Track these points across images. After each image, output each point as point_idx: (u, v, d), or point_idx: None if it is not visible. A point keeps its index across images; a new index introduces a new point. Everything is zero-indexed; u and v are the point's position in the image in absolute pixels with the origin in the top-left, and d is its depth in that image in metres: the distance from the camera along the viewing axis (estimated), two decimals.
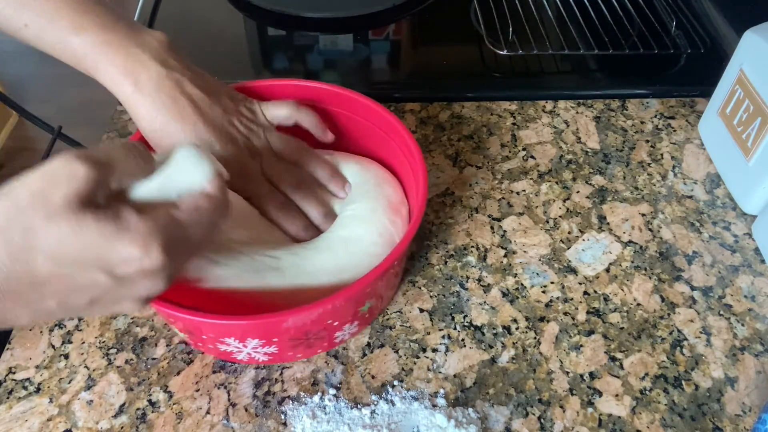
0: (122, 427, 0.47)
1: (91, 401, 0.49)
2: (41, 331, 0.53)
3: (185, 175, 0.39)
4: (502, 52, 0.77)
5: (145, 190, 0.38)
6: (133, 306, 0.37)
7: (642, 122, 0.71)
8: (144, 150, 0.38)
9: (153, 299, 0.38)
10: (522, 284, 0.56)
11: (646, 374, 0.50)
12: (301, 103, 0.55)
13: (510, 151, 0.68)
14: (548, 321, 0.54)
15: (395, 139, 0.56)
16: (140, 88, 0.47)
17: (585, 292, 0.55)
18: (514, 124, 0.71)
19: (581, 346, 0.52)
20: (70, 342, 0.52)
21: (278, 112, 0.54)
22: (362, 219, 0.52)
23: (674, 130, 0.70)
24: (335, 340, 0.50)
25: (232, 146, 0.51)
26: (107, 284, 0.34)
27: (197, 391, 0.49)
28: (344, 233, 0.51)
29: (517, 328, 0.53)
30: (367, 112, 0.57)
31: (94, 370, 0.50)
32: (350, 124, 0.59)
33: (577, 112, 0.72)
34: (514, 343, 0.52)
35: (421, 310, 0.54)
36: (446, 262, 0.57)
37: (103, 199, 0.34)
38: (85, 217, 0.33)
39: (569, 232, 0.60)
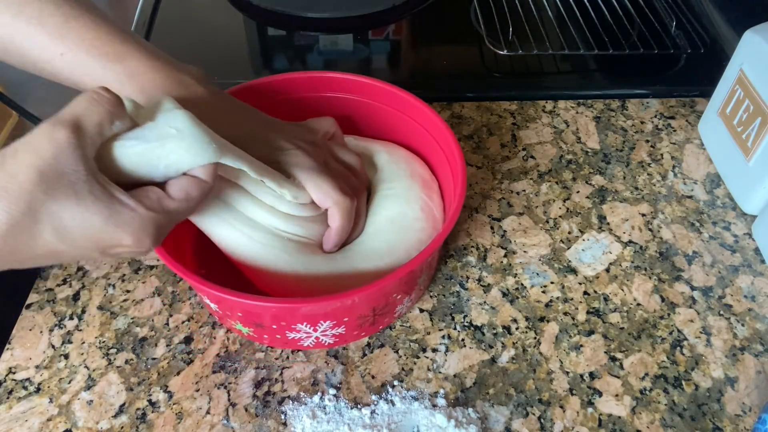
0: (122, 427, 0.47)
1: (91, 401, 0.49)
2: (41, 331, 0.53)
3: (177, 150, 0.38)
4: (502, 52, 0.77)
5: (130, 152, 0.38)
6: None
7: (642, 122, 0.71)
8: (108, 94, 0.37)
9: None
10: (522, 284, 0.56)
11: (646, 374, 0.50)
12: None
13: (510, 151, 0.68)
14: (548, 321, 0.54)
15: (420, 121, 0.58)
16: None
17: (585, 292, 0.55)
18: (514, 124, 0.71)
19: (581, 346, 0.52)
20: (70, 342, 0.52)
21: (326, 127, 0.54)
22: (402, 197, 0.54)
23: (674, 130, 0.70)
24: (395, 314, 0.52)
25: (325, 167, 0.49)
26: (97, 255, 0.38)
27: (197, 391, 0.49)
28: (388, 213, 0.53)
29: (517, 328, 0.53)
30: (395, 100, 0.59)
31: (94, 370, 0.50)
32: (375, 112, 0.61)
33: (577, 112, 0.72)
34: (514, 343, 0.52)
35: (421, 310, 0.54)
36: (446, 262, 0.57)
37: (93, 154, 0.36)
38: (84, 197, 0.35)
39: (569, 232, 0.60)
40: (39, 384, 0.50)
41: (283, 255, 0.47)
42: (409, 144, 0.61)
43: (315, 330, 0.48)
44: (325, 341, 0.50)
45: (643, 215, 0.62)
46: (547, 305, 0.55)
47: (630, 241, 0.59)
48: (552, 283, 0.56)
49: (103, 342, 0.52)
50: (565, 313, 0.54)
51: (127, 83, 0.45)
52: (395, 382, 0.50)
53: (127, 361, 0.51)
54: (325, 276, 0.49)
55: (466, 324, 0.53)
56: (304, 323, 0.47)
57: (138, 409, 0.48)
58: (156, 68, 0.46)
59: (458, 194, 0.49)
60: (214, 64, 0.77)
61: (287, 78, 0.59)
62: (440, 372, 0.50)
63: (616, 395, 0.49)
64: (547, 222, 0.61)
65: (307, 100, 0.60)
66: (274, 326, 0.48)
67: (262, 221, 0.47)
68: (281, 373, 0.50)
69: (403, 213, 0.53)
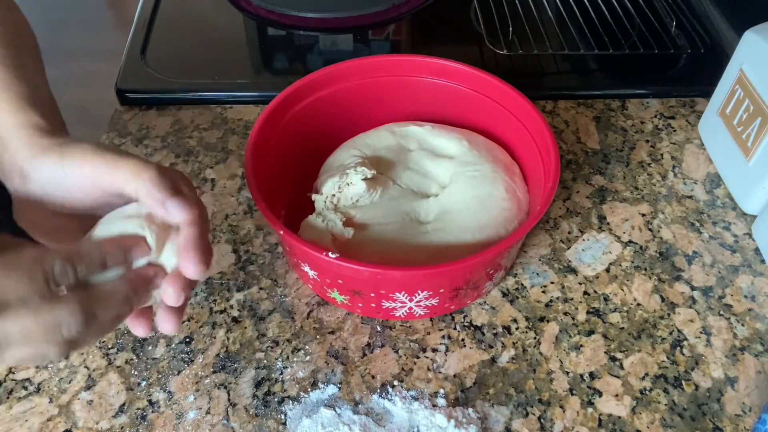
0: (122, 427, 0.47)
1: (91, 401, 0.49)
2: None
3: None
4: (502, 52, 0.77)
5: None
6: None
7: (642, 122, 0.71)
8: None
9: None
10: (522, 284, 0.56)
11: (646, 374, 0.50)
12: None
13: None
14: (548, 321, 0.54)
15: (508, 106, 0.59)
16: None
17: (585, 292, 0.55)
18: None
19: (581, 346, 0.52)
20: None
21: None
22: (488, 178, 0.55)
23: (674, 130, 0.70)
24: (483, 290, 0.54)
25: None
26: None
27: (197, 391, 0.49)
28: (477, 192, 0.55)
29: (517, 328, 0.53)
30: (482, 85, 0.61)
31: (94, 370, 0.50)
32: (457, 96, 0.63)
33: (577, 112, 0.72)
34: (514, 343, 0.52)
35: None
36: None
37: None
38: None
39: (569, 232, 0.60)
40: (39, 384, 0.49)
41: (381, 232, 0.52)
42: (489, 128, 0.62)
43: (411, 300, 0.50)
44: (417, 312, 0.52)
45: (643, 215, 0.62)
46: (547, 305, 0.55)
47: (630, 241, 0.59)
48: (552, 283, 0.56)
49: (103, 342, 0.52)
50: (565, 313, 0.54)
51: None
52: (395, 382, 0.50)
53: (127, 361, 0.51)
54: (416, 248, 0.51)
55: (466, 324, 0.53)
56: (402, 292, 0.49)
57: (138, 409, 0.48)
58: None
59: (552, 174, 0.51)
60: (214, 64, 0.77)
61: (371, 61, 0.61)
62: (440, 372, 0.50)
63: (616, 395, 0.49)
64: (547, 222, 0.61)
65: (391, 82, 0.63)
66: (372, 294, 0.50)
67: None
68: (281, 373, 0.50)
69: (490, 193, 0.54)
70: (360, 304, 0.52)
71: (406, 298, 0.50)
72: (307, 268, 0.51)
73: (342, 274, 0.49)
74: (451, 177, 0.57)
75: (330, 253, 0.46)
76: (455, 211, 0.54)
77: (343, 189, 0.54)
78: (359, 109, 0.63)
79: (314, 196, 0.55)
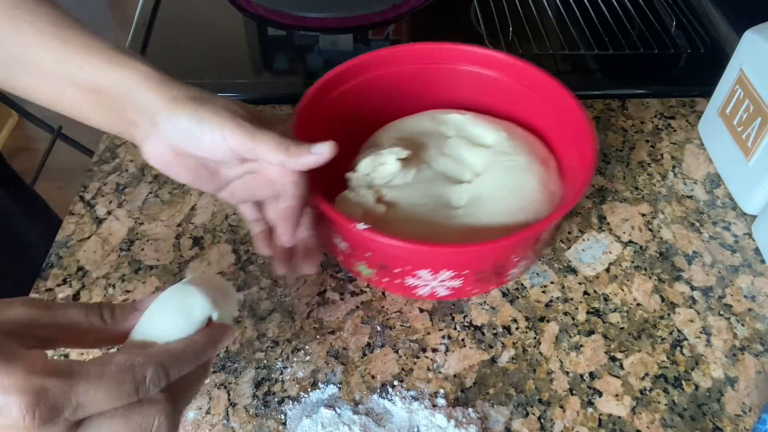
0: None
1: None
2: None
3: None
4: None
5: None
6: None
7: (642, 122, 0.71)
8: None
9: None
10: (522, 284, 0.56)
11: (646, 374, 0.50)
12: None
13: None
14: (548, 321, 0.54)
15: (549, 98, 0.59)
16: None
17: (585, 292, 0.55)
18: None
19: (581, 346, 0.52)
20: None
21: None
22: (523, 169, 0.56)
23: (674, 130, 0.70)
24: (507, 277, 0.54)
25: None
26: None
27: None
28: (510, 182, 0.55)
29: (517, 328, 0.53)
30: (525, 76, 0.61)
31: None
32: (498, 87, 0.63)
33: None
34: (514, 343, 0.52)
35: (421, 310, 0.54)
36: None
37: None
38: None
39: (569, 232, 0.60)
40: None
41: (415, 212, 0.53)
42: (527, 119, 0.63)
43: (434, 278, 0.50)
44: (440, 292, 0.52)
45: (643, 215, 0.62)
46: (547, 305, 0.55)
47: (630, 241, 0.59)
48: (552, 283, 0.56)
49: None
50: (565, 313, 0.54)
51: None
52: (395, 382, 0.50)
53: None
54: (445, 230, 0.52)
55: (466, 324, 0.53)
56: (428, 269, 0.49)
57: None
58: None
59: (589, 165, 0.51)
60: (214, 64, 0.77)
61: (416, 48, 0.62)
62: (440, 372, 0.50)
63: (616, 395, 0.49)
64: None
65: (434, 70, 0.63)
66: (398, 269, 0.50)
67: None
68: (281, 373, 0.50)
69: (523, 184, 0.55)
70: (385, 279, 0.53)
71: (430, 275, 0.50)
72: (338, 240, 0.52)
73: (371, 247, 0.50)
74: (486, 166, 0.57)
75: (360, 224, 0.47)
76: (487, 198, 0.54)
77: (378, 168, 0.55)
78: (401, 95, 0.64)
79: (349, 174, 0.56)
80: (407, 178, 0.55)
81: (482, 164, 0.58)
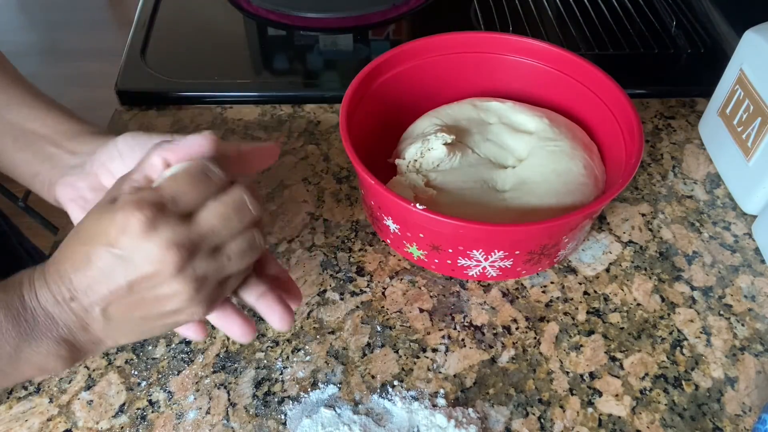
0: (122, 427, 0.47)
1: (91, 401, 0.49)
2: None
3: None
4: None
5: None
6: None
7: (642, 122, 0.71)
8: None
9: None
10: (522, 284, 0.56)
11: (646, 374, 0.50)
12: None
13: None
14: (548, 321, 0.54)
15: (594, 88, 0.61)
16: None
17: (585, 292, 0.55)
18: None
19: (581, 346, 0.52)
20: None
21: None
22: (568, 154, 0.57)
23: (674, 130, 0.70)
24: (556, 258, 0.56)
25: None
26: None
27: (197, 391, 0.49)
28: (556, 167, 0.56)
29: (517, 328, 0.53)
30: (569, 66, 0.62)
31: (94, 370, 0.50)
32: (543, 76, 0.64)
33: None
34: (514, 343, 0.52)
35: (421, 310, 0.54)
36: None
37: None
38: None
39: None
40: (39, 384, 0.49)
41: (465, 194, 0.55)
42: (569, 108, 0.64)
43: (486, 259, 0.52)
44: (490, 273, 0.54)
45: (643, 215, 0.62)
46: (547, 305, 0.55)
47: (630, 241, 0.59)
48: (552, 283, 0.56)
49: None
50: (565, 313, 0.54)
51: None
52: (395, 382, 0.50)
53: (127, 361, 0.51)
54: (494, 212, 0.53)
55: (466, 324, 0.53)
56: (480, 250, 0.51)
57: (138, 409, 0.48)
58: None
59: (636, 151, 0.52)
60: (214, 64, 0.77)
61: (457, 37, 0.63)
62: (440, 372, 0.50)
63: (616, 395, 0.49)
64: None
65: (474, 59, 0.64)
66: (450, 250, 0.52)
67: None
68: (281, 373, 0.50)
69: (569, 168, 0.56)
70: (436, 260, 0.54)
71: (482, 256, 0.51)
72: (389, 222, 0.54)
73: (424, 228, 0.51)
74: (530, 151, 0.58)
75: (417, 205, 0.48)
76: (533, 182, 0.56)
77: (425, 154, 0.56)
78: (441, 84, 0.65)
79: (398, 161, 0.58)
80: (453, 162, 0.57)
81: (525, 149, 0.59)
